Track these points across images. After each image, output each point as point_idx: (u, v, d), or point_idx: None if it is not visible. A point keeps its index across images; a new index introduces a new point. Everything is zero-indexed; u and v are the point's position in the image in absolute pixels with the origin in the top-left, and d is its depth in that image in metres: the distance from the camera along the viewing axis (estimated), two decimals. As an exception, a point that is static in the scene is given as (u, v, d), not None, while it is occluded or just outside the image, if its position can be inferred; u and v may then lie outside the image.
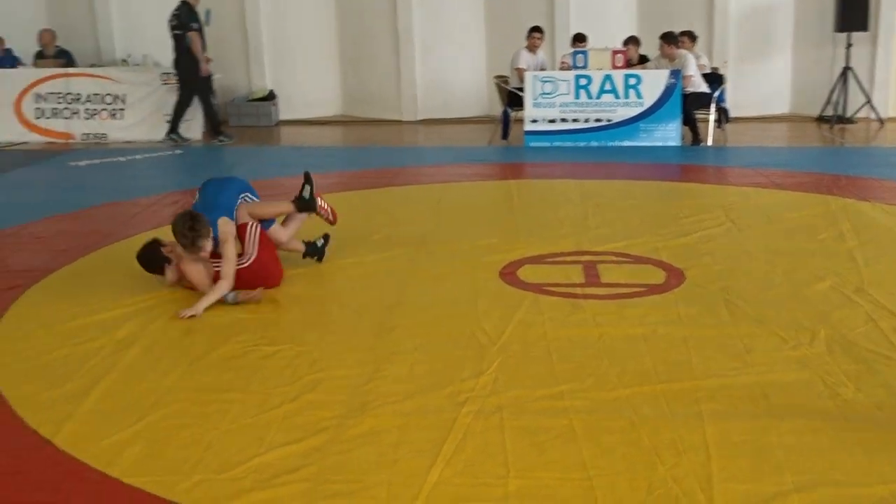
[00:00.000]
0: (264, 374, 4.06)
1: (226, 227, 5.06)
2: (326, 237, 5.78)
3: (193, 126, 11.65)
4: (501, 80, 11.23)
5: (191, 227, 4.86)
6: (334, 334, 4.54)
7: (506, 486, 3.08)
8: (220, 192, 5.38)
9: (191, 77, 11.22)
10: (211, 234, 4.94)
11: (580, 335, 4.46)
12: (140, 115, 11.77)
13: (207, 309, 4.84)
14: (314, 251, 5.72)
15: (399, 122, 13.29)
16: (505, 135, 11.03)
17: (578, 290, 5.13)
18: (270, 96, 13.40)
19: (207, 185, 5.53)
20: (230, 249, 5.02)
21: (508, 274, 5.45)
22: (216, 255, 5.02)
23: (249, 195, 5.46)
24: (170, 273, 5.19)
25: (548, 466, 3.21)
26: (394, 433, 3.47)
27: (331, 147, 11.26)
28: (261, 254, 5.18)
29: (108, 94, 11.80)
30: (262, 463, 3.27)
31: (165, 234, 5.75)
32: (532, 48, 11.00)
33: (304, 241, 5.71)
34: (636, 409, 3.61)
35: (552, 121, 10.57)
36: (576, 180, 8.44)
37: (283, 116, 13.58)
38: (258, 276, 5.11)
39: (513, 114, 11.03)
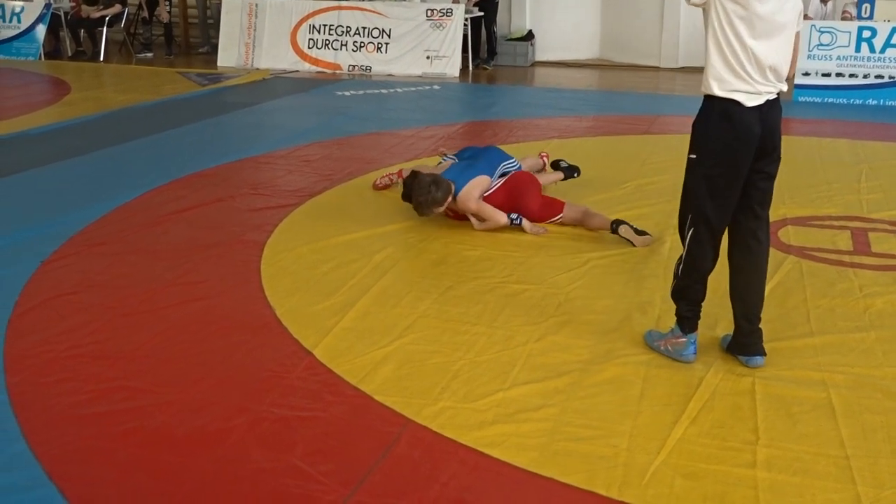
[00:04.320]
0: (511, 311, 4.12)
1: (471, 190, 5.22)
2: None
3: (452, 63, 11.88)
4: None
5: (431, 191, 5.12)
6: (582, 279, 4.51)
7: (754, 452, 2.96)
8: (478, 157, 5.57)
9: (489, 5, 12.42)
10: (442, 204, 5.16)
11: (844, 305, 4.18)
12: (402, 49, 12.12)
13: (459, 244, 5.01)
14: (572, 171, 6.02)
15: (656, 68, 12.88)
16: (772, 87, 10.41)
17: (846, 258, 4.80)
18: (528, 36, 13.38)
19: (466, 150, 5.81)
20: (474, 208, 5.22)
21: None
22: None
23: (506, 164, 5.56)
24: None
25: (801, 439, 3.05)
26: (638, 384, 3.42)
27: (585, 91, 11.10)
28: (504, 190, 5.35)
29: (375, 28, 12.23)
30: (505, 398, 3.32)
31: (420, 165, 5.94)
32: None
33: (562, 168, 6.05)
34: (905, 391, 3.35)
35: (826, 75, 9.85)
36: (848, 140, 7.84)
37: (539, 57, 13.54)
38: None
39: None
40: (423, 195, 5.13)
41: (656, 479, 2.82)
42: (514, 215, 5.23)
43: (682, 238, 3.56)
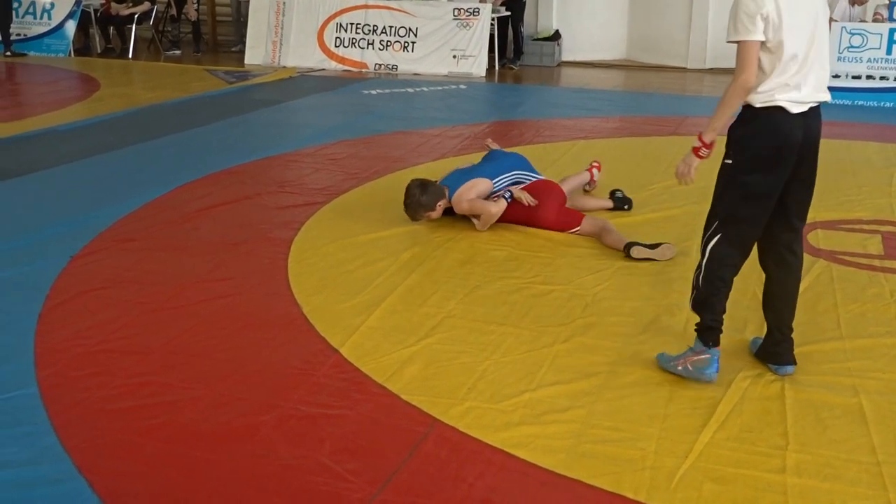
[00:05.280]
0: (538, 311, 4.11)
1: (464, 192, 5.24)
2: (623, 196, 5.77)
3: (478, 62, 11.88)
4: (803, 31, 10.46)
5: (416, 195, 5.19)
6: (609, 280, 4.49)
7: (784, 458, 2.94)
8: (491, 162, 5.59)
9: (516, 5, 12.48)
10: (432, 210, 5.23)
11: (875, 310, 4.14)
12: (429, 48, 12.12)
13: (486, 244, 5.00)
14: (623, 202, 5.71)
15: (684, 69, 12.81)
16: (801, 89, 10.31)
17: (876, 262, 4.75)
18: (555, 36, 13.34)
19: (491, 153, 5.78)
20: (466, 207, 5.23)
21: (797, 237, 5.13)
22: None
23: (521, 172, 5.49)
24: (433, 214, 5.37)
25: (831, 445, 3.02)
26: (666, 387, 3.40)
27: (612, 91, 11.06)
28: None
29: (402, 27, 12.24)
30: (532, 399, 3.32)
31: (447, 165, 5.94)
32: (857, 1, 10.00)
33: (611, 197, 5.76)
34: (937, 398, 3.31)
35: (857, 77, 9.75)
36: (879, 143, 7.76)
37: (566, 57, 13.49)
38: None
39: (812, 67, 10.26)
40: (409, 199, 5.22)
41: (684, 483, 2.80)
42: (507, 194, 5.24)
43: (705, 244, 3.41)
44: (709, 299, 3.40)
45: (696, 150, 3.40)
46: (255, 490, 2.78)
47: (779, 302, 3.53)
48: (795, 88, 3.19)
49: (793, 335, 3.55)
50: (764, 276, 3.59)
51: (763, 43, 3.14)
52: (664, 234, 5.18)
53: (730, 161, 3.31)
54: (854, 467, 2.89)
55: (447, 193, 5.26)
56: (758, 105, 3.21)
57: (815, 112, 3.28)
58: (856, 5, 9.98)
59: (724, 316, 3.45)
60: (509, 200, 5.23)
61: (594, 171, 6.01)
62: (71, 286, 4.37)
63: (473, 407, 3.26)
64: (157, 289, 4.34)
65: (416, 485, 2.80)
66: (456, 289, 4.36)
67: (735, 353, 3.65)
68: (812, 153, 3.34)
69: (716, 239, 3.36)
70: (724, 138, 3.39)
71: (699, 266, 3.43)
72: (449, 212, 5.34)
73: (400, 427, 3.13)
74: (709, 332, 3.41)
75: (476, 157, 6.13)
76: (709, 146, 3.37)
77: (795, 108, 3.21)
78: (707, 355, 3.38)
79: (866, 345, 3.77)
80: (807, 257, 4.74)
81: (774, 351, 3.54)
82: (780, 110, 3.19)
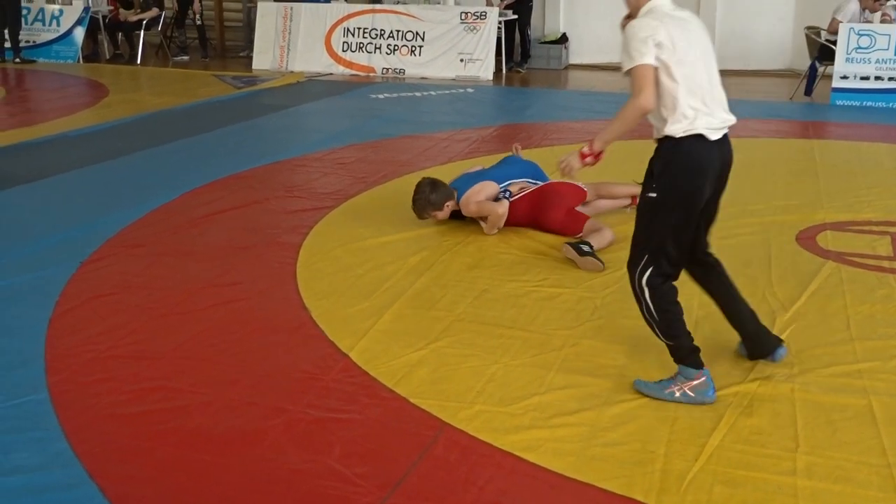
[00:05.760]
0: (547, 315, 4.11)
1: (472, 195, 5.25)
2: None
3: (485, 66, 11.88)
4: (813, 32, 10.43)
5: (425, 192, 5.24)
6: (618, 283, 4.48)
7: (794, 460, 2.93)
8: (502, 167, 5.60)
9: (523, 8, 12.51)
10: (439, 210, 5.26)
11: (885, 312, 4.12)
12: (436, 52, 12.14)
13: (494, 247, 5.01)
14: None
15: (692, 71, 12.79)
16: (809, 91, 10.30)
17: (886, 264, 4.73)
18: (562, 39, 13.35)
19: (508, 158, 5.79)
20: (475, 209, 5.25)
21: (807, 239, 5.12)
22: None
23: (530, 180, 5.47)
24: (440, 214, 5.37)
25: (842, 447, 3.01)
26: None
27: (619, 93, 11.04)
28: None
29: (409, 31, 12.26)
30: (541, 402, 3.31)
31: (455, 168, 5.94)
32: (867, 7, 9.95)
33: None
34: (948, 400, 3.30)
35: (865, 78, 9.72)
36: (888, 144, 7.73)
37: (573, 60, 13.50)
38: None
39: (820, 69, 10.25)
40: (419, 195, 5.25)
41: (695, 486, 2.80)
42: (507, 193, 5.30)
43: (637, 278, 3.29)
44: (672, 325, 3.33)
45: (582, 156, 3.40)
46: (265, 494, 2.78)
47: (731, 308, 3.53)
48: (709, 115, 3.19)
49: (759, 319, 3.55)
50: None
51: (668, 72, 3.13)
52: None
53: (654, 195, 3.24)
54: (865, 469, 2.88)
55: (456, 196, 5.27)
56: (679, 135, 3.18)
57: (727, 137, 3.29)
58: (866, 11, 9.93)
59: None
60: (510, 200, 5.24)
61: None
62: (80, 292, 4.39)
63: (483, 410, 3.26)
64: (165, 294, 4.35)
65: (426, 489, 2.80)
66: (464, 292, 4.36)
67: (741, 357, 3.64)
68: (727, 175, 3.35)
69: (648, 272, 3.28)
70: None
71: (643, 302, 3.33)
72: (456, 215, 5.35)
73: (409, 431, 3.14)
74: (694, 355, 3.34)
75: (486, 160, 6.16)
76: (596, 156, 3.39)
77: (713, 135, 3.20)
78: (703, 377, 3.31)
79: (876, 346, 3.76)
80: (816, 259, 4.78)
81: (760, 345, 3.54)
82: (700, 139, 3.18)
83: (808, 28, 10.60)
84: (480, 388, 3.43)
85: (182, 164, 7.10)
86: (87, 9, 13.55)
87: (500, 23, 12.11)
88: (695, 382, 3.30)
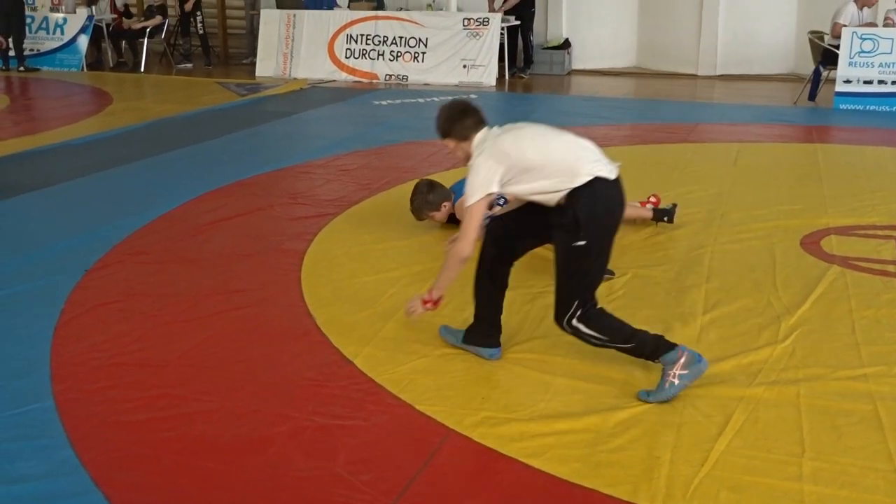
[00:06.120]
0: (551, 320, 4.08)
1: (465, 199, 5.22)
2: (675, 205, 5.48)
3: (488, 72, 11.90)
4: (816, 36, 10.43)
5: (423, 193, 5.29)
6: (623, 289, 4.48)
7: (800, 465, 2.92)
8: None
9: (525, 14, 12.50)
10: (436, 210, 5.29)
11: (890, 316, 4.12)
12: (439, 58, 12.15)
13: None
14: (663, 213, 5.42)
15: (694, 76, 12.80)
16: (812, 95, 10.29)
17: (891, 268, 4.73)
18: (565, 45, 13.36)
19: None
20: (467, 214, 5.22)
21: (811, 244, 5.12)
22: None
23: None
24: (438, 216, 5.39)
25: (848, 452, 3.00)
26: (680, 395, 3.38)
27: (623, 99, 11.06)
28: None
29: (412, 38, 12.28)
30: (547, 408, 3.31)
31: (458, 175, 5.93)
32: (864, 3, 9.98)
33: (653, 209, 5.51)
34: (955, 404, 3.29)
35: (868, 82, 9.72)
36: (892, 148, 7.73)
37: (576, 66, 13.51)
38: None
39: (824, 73, 10.24)
40: (416, 196, 5.29)
41: (700, 491, 2.79)
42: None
43: (575, 326, 3.40)
44: (621, 330, 3.42)
45: (424, 301, 3.62)
46: (270, 502, 2.78)
47: (500, 298, 3.73)
48: (596, 162, 3.40)
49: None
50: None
51: (534, 171, 3.36)
52: (677, 240, 5.18)
53: (584, 243, 3.32)
54: (871, 475, 2.87)
55: (453, 198, 5.28)
56: (586, 181, 3.32)
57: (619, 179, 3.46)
58: (864, 8, 9.94)
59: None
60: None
61: (648, 206, 5.63)
62: (86, 300, 4.40)
63: (488, 417, 3.26)
64: (170, 301, 4.36)
65: (432, 495, 2.79)
66: (469, 298, 4.34)
67: (748, 364, 3.64)
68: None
69: (579, 312, 3.38)
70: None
71: (584, 335, 3.42)
72: (457, 219, 5.36)
73: (415, 437, 3.13)
74: (661, 341, 3.37)
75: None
76: (435, 302, 3.63)
77: (611, 175, 3.38)
78: (684, 353, 3.31)
79: (882, 351, 3.75)
80: (820, 263, 4.77)
81: (478, 337, 3.73)
82: (602, 179, 3.34)
83: (811, 32, 10.60)
84: (486, 394, 3.43)
85: (186, 171, 7.11)
86: (90, 17, 13.59)
87: (502, 28, 12.14)
88: (681, 361, 3.31)
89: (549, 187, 3.36)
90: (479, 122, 3.56)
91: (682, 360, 3.30)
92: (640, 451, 3.02)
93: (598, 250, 3.38)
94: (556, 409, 3.30)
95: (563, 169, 3.35)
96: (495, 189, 3.40)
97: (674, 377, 3.30)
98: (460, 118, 3.55)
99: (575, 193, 3.32)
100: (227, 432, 3.17)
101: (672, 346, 3.34)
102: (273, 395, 3.44)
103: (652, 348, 3.37)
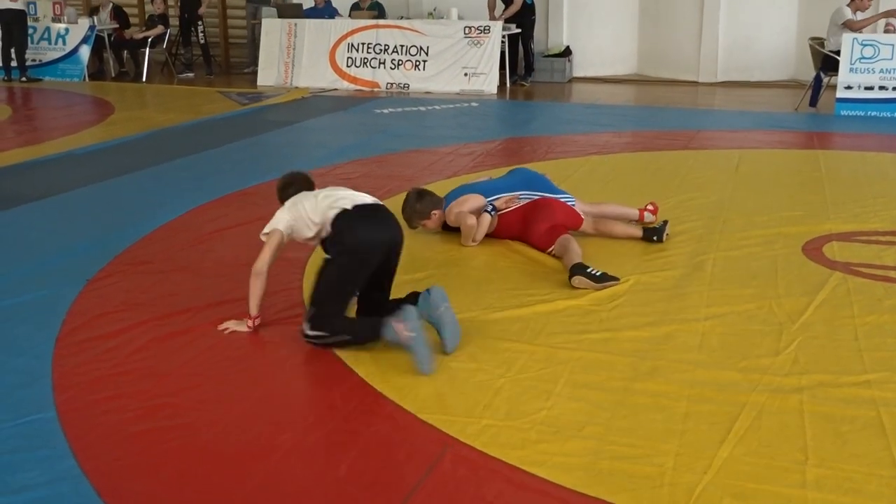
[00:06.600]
0: (553, 328, 4.10)
1: (454, 206, 5.33)
2: (665, 222, 5.38)
3: (489, 79, 11.92)
4: (816, 43, 10.44)
5: (411, 202, 5.29)
6: (625, 295, 4.48)
7: (804, 472, 2.91)
8: (499, 180, 5.66)
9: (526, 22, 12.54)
10: (426, 218, 5.30)
11: (892, 322, 4.11)
12: (440, 66, 12.17)
13: (498, 261, 4.98)
14: (653, 233, 5.29)
15: (695, 83, 12.82)
16: (814, 101, 10.30)
17: (893, 274, 4.72)
18: (566, 52, 13.37)
19: (515, 170, 5.83)
20: (452, 220, 5.32)
21: (813, 250, 5.11)
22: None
23: (525, 193, 5.40)
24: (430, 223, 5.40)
25: (851, 459, 2.99)
26: (683, 403, 3.38)
27: (623, 106, 11.07)
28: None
29: (413, 46, 12.30)
30: (548, 416, 3.31)
31: (459, 183, 5.94)
32: (858, 7, 9.97)
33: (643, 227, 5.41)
34: (958, 410, 3.28)
35: (869, 88, 9.72)
36: (893, 154, 7.73)
37: (577, 73, 13.52)
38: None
39: (825, 79, 10.25)
40: (405, 204, 5.29)
41: (704, 499, 2.78)
42: (489, 207, 5.32)
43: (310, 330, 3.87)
44: (348, 326, 3.93)
45: (247, 322, 4.11)
46: (273, 511, 2.78)
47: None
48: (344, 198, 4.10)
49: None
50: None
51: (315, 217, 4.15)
52: (678, 247, 5.18)
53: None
54: (875, 481, 2.86)
55: (444, 205, 5.29)
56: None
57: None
58: (858, 12, 9.95)
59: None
60: (492, 214, 5.26)
61: (645, 213, 5.63)
62: (88, 309, 4.40)
63: (490, 425, 3.25)
64: (173, 311, 4.36)
65: (434, 504, 2.79)
66: (470, 306, 4.36)
67: (749, 369, 3.63)
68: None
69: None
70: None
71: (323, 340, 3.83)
72: (454, 228, 5.36)
73: (417, 446, 3.13)
74: (377, 321, 3.78)
75: (495, 173, 6.20)
76: (254, 319, 4.10)
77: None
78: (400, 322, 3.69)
79: (884, 357, 3.74)
80: (822, 269, 4.77)
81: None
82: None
83: (812, 39, 10.62)
84: (487, 402, 3.42)
85: (188, 180, 7.12)
86: (92, 27, 13.62)
87: (503, 37, 12.15)
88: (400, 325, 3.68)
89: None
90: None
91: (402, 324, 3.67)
92: (643, 459, 3.01)
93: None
94: (558, 416, 3.30)
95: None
96: (280, 226, 4.26)
97: (399, 332, 3.68)
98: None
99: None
100: (230, 441, 3.17)
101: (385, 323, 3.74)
102: (275, 405, 3.44)
103: (368, 332, 3.86)
